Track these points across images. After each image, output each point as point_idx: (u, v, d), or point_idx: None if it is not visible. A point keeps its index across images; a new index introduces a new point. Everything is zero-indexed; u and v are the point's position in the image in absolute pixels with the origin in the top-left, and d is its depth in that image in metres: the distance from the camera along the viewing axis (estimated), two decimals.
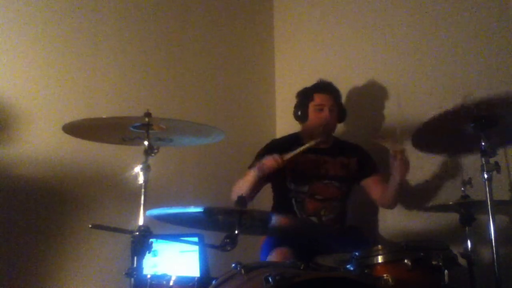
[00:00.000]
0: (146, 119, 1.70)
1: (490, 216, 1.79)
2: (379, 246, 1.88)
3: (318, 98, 2.68)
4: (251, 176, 2.49)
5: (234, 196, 2.38)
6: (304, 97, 2.72)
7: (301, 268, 1.66)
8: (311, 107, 2.68)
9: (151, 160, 1.73)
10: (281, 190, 2.68)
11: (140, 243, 1.62)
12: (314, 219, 2.59)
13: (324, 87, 2.72)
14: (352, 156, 2.75)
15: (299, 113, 2.72)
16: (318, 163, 2.67)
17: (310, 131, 2.67)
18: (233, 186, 2.54)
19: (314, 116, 2.68)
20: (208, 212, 1.73)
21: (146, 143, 1.72)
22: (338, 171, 2.69)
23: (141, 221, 1.66)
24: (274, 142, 2.84)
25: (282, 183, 2.64)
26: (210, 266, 2.46)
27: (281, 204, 2.68)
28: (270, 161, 2.43)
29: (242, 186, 2.47)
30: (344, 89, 2.88)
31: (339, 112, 2.74)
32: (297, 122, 2.78)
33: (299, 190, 2.63)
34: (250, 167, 2.58)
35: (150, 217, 1.71)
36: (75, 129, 1.81)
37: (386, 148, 2.88)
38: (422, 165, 2.65)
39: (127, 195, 1.88)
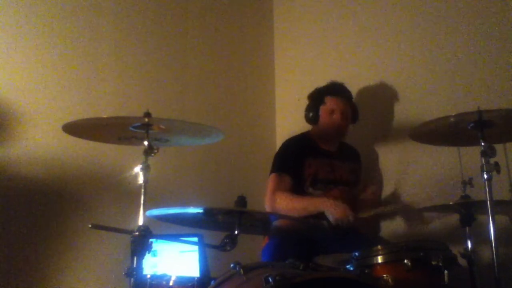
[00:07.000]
0: (146, 119, 1.70)
1: (490, 216, 1.78)
2: (379, 246, 1.88)
3: (329, 102, 2.67)
4: (312, 206, 2.46)
5: (275, 208, 2.44)
6: (316, 100, 2.71)
7: (301, 268, 1.66)
8: (322, 110, 2.67)
9: (151, 160, 1.73)
10: (295, 192, 2.59)
11: (140, 243, 1.62)
12: (325, 222, 2.50)
13: (336, 90, 2.70)
14: (357, 161, 2.77)
15: (310, 115, 2.70)
16: (332, 168, 2.65)
17: (321, 133, 2.68)
18: (278, 196, 2.49)
19: (325, 119, 2.67)
20: (208, 212, 1.73)
21: (146, 143, 1.72)
22: (349, 176, 2.69)
23: (141, 221, 1.66)
24: (291, 143, 2.73)
25: (299, 186, 2.59)
26: (210, 266, 2.45)
27: None
28: (342, 216, 2.39)
29: (292, 208, 2.44)
30: None
31: (352, 113, 2.72)
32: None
33: (314, 195, 2.59)
34: (274, 171, 2.57)
35: (150, 217, 1.71)
36: (75, 129, 1.82)
37: (384, 152, 2.88)
38: (422, 165, 2.65)
39: (127, 195, 1.88)
